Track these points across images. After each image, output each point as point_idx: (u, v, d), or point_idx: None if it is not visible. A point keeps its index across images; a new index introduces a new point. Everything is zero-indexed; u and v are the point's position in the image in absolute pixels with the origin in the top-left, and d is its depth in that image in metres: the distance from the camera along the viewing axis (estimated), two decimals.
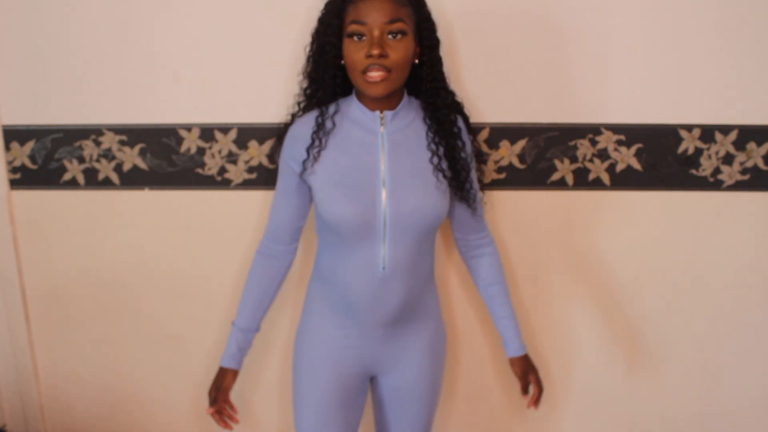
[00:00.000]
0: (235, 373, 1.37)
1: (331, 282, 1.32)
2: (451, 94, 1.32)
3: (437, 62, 1.26)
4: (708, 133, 1.56)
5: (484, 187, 1.60)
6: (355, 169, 1.23)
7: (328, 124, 1.26)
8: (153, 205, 1.67)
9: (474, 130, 1.38)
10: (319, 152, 1.24)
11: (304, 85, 1.32)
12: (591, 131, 1.57)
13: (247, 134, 1.59)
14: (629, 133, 1.57)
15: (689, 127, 1.56)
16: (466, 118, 1.38)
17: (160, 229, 1.69)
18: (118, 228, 1.70)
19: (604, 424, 1.80)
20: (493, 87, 1.54)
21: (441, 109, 1.26)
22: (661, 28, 1.50)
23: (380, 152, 1.24)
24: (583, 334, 1.72)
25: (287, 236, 1.36)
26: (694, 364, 1.74)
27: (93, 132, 1.63)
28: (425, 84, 1.25)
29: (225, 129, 1.60)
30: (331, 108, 1.27)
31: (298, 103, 1.36)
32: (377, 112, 1.24)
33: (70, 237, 1.71)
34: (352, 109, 1.26)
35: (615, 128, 1.57)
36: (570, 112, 1.56)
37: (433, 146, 1.26)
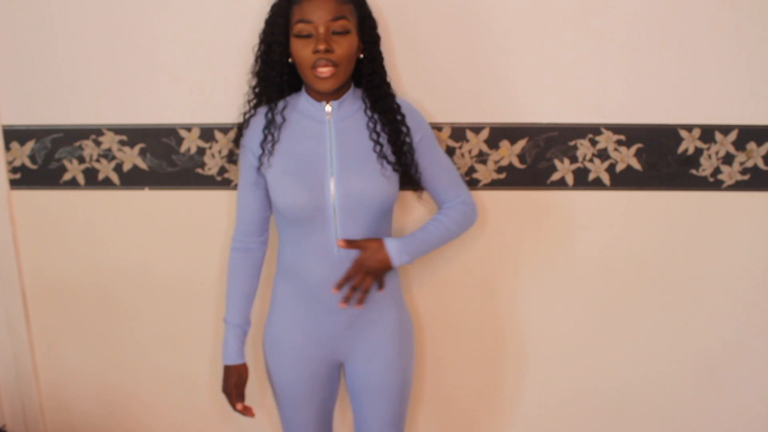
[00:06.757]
0: (245, 366, 1.44)
1: (292, 271, 1.37)
2: (389, 86, 1.37)
3: (378, 57, 1.34)
4: (708, 133, 1.56)
5: (484, 186, 1.61)
6: (305, 157, 1.31)
7: (278, 118, 1.33)
8: (153, 205, 1.67)
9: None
10: (273, 146, 1.32)
11: (253, 83, 1.38)
12: (591, 131, 1.57)
13: None
14: (629, 133, 1.57)
15: (689, 127, 1.56)
16: (410, 109, 1.40)
17: (160, 229, 1.69)
18: (118, 228, 1.70)
19: (601, 425, 1.80)
20: (494, 86, 1.54)
21: (382, 99, 1.33)
22: (662, 28, 1.50)
23: (328, 140, 1.31)
24: (582, 334, 1.72)
25: (258, 228, 1.42)
26: (694, 364, 1.74)
27: (93, 132, 1.63)
28: (366, 77, 1.33)
29: (225, 129, 1.60)
30: (280, 104, 1.35)
31: (249, 101, 1.40)
32: (324, 103, 1.32)
33: (70, 237, 1.72)
34: (301, 102, 1.34)
35: (615, 128, 1.57)
36: (570, 112, 1.56)
37: (374, 135, 1.32)
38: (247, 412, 1.43)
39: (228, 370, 1.43)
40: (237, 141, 1.41)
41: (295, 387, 1.42)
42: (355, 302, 1.34)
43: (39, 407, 1.87)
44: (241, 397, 1.43)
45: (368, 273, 1.32)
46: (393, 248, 1.33)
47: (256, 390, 1.77)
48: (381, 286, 1.38)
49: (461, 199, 1.43)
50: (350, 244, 1.31)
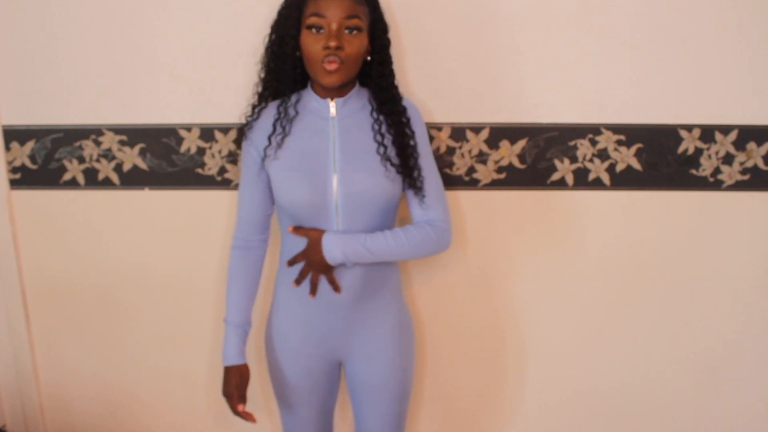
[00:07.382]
0: (247, 367, 1.41)
1: (294, 269, 1.37)
2: (397, 89, 1.36)
3: (387, 60, 1.34)
4: (708, 133, 1.56)
5: (484, 186, 1.61)
6: (309, 153, 1.31)
7: (291, 111, 1.34)
8: (153, 205, 1.67)
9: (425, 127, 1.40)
10: (282, 139, 1.32)
11: (264, 75, 1.37)
12: (591, 131, 1.57)
13: None
14: (629, 133, 1.57)
15: (689, 127, 1.56)
16: (414, 112, 1.38)
17: (160, 229, 1.69)
18: (118, 228, 1.70)
19: (601, 425, 1.80)
20: (494, 86, 1.55)
21: (388, 102, 1.33)
22: (662, 28, 1.50)
23: (331, 136, 1.32)
24: (582, 334, 1.72)
25: (260, 225, 1.41)
26: (694, 364, 1.74)
27: (93, 132, 1.63)
28: (375, 80, 1.33)
29: (225, 129, 1.60)
30: (293, 97, 1.35)
31: (258, 93, 1.39)
32: (328, 100, 1.32)
33: (70, 237, 1.72)
34: (306, 99, 1.35)
35: (615, 128, 1.57)
36: (570, 112, 1.56)
37: (379, 137, 1.32)
38: (248, 417, 1.36)
39: (229, 372, 1.38)
40: (239, 139, 1.40)
41: (296, 386, 1.42)
42: (311, 291, 1.33)
43: (39, 407, 1.87)
44: (242, 398, 1.38)
45: (313, 264, 1.30)
46: (328, 243, 1.28)
47: (258, 392, 1.77)
48: (336, 288, 1.32)
49: (431, 218, 1.35)
50: (297, 230, 1.31)
